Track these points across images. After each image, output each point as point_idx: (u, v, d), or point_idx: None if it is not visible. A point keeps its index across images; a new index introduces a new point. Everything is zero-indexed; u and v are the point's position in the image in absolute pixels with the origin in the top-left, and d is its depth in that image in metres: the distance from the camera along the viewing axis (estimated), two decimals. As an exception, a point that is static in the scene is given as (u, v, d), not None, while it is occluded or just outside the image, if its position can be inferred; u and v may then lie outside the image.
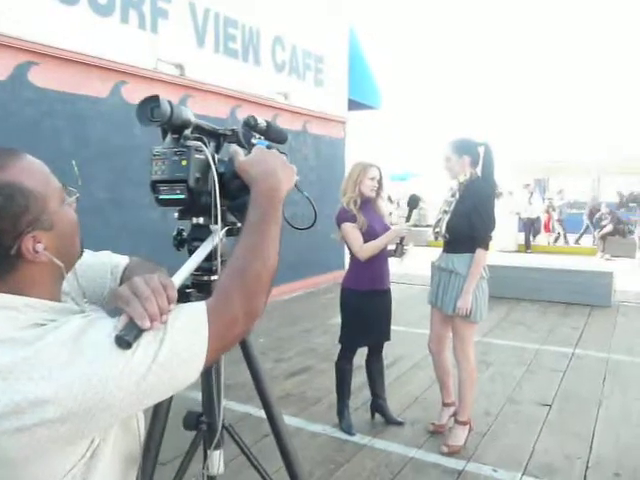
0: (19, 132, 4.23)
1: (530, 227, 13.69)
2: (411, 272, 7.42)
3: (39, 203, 0.81)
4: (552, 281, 7.36)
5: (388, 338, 3.48)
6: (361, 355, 3.51)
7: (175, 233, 1.11)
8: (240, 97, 6.55)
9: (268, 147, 1.14)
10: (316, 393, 4.03)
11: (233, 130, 1.13)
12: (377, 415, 3.57)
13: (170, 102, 0.96)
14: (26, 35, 4.26)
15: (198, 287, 1.10)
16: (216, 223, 1.02)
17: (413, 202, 3.33)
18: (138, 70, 5.20)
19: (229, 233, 1.11)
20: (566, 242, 14.61)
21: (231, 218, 1.10)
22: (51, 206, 0.83)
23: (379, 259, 3.28)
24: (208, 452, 1.14)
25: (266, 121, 1.18)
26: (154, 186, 1.02)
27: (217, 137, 1.13)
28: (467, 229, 3.02)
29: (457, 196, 3.11)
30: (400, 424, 3.48)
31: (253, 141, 1.13)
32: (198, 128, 1.06)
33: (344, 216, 3.25)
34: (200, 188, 1.00)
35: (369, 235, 3.21)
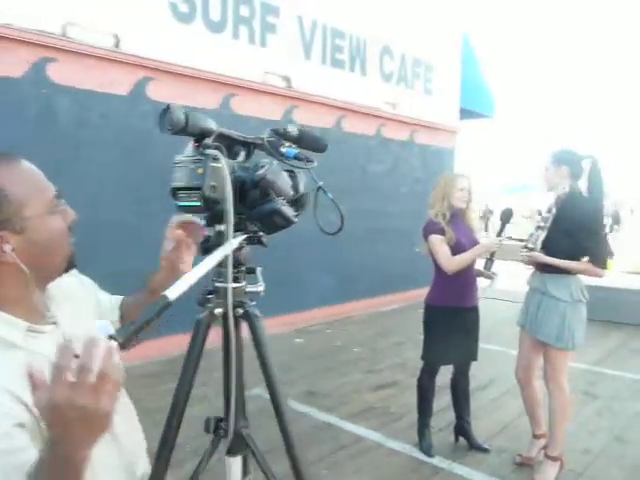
0: (136, 142, 4.62)
1: None
2: (515, 289, 7.00)
3: (13, 206, 0.85)
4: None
5: (475, 358, 3.29)
6: (443, 375, 3.36)
7: (202, 240, 1.13)
8: (345, 107, 6.61)
9: (296, 156, 1.12)
10: (400, 409, 3.92)
11: (263, 139, 1.13)
12: (461, 439, 3.39)
13: (186, 111, 0.98)
14: (146, 53, 4.65)
15: (217, 293, 1.11)
16: (234, 231, 1.03)
17: (506, 216, 3.14)
18: (246, 83, 5.45)
19: (250, 241, 1.11)
20: None
21: (252, 227, 1.10)
22: (28, 211, 0.86)
23: (466, 275, 3.12)
24: (225, 458, 1.15)
25: (299, 129, 1.17)
26: (174, 193, 1.05)
27: (247, 145, 1.14)
28: (564, 249, 2.78)
29: (554, 211, 2.87)
30: (485, 451, 3.27)
31: (282, 149, 1.12)
32: (222, 136, 1.07)
33: (432, 228, 3.14)
34: (215, 196, 1.01)
35: (457, 250, 3.07)
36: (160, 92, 4.83)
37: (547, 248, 2.87)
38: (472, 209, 3.26)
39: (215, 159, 1.00)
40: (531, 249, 2.95)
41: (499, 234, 3.08)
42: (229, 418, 1.11)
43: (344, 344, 5.66)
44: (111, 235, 4.53)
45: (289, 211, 1.04)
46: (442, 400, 3.62)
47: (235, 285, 1.09)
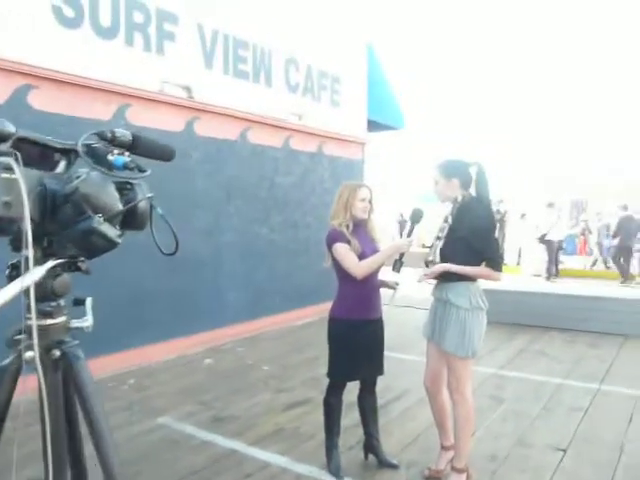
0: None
1: (555, 251, 12.65)
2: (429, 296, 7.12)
3: None
4: (582, 309, 6.90)
5: (381, 372, 3.22)
6: (351, 391, 3.26)
7: (9, 267, 0.92)
8: (251, 119, 6.46)
9: (125, 165, 0.95)
10: (310, 429, 3.77)
11: (87, 145, 0.95)
12: (371, 456, 3.29)
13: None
14: (25, 58, 4.26)
15: (29, 332, 0.91)
16: (43, 256, 0.84)
17: (416, 216, 3.03)
18: (143, 92, 5.16)
19: (66, 268, 0.92)
20: (607, 267, 13.84)
21: (69, 250, 0.91)
22: None
23: (370, 285, 3.05)
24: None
25: (133, 134, 1.00)
26: None
27: (66, 153, 0.95)
28: (461, 256, 2.77)
29: (450, 220, 2.86)
30: (394, 467, 3.19)
31: (109, 157, 0.94)
32: (28, 142, 0.88)
33: (337, 237, 3.03)
34: (11, 215, 0.81)
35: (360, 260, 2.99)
36: (44, 101, 4.45)
37: (445, 257, 2.84)
38: (373, 219, 3.20)
39: (7, 169, 0.81)
40: (431, 261, 2.91)
41: (409, 234, 3.01)
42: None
43: (255, 362, 5.45)
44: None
45: (110, 231, 0.86)
46: (351, 417, 3.52)
47: (49, 322, 0.90)
